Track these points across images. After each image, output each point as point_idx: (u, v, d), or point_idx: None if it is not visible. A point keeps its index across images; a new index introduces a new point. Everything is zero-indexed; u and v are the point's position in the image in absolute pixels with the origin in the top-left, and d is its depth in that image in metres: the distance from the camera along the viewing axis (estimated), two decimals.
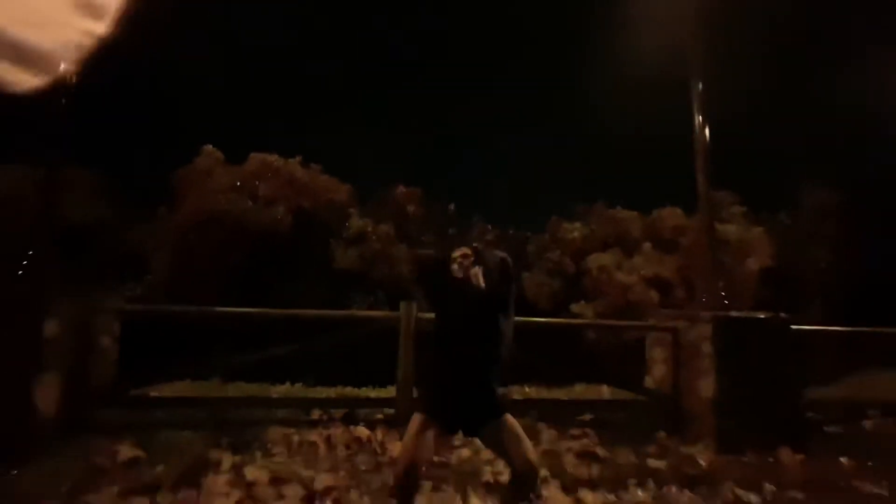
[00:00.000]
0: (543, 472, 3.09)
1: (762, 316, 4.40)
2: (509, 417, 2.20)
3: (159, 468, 3.02)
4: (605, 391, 5.38)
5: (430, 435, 2.12)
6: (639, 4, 6.07)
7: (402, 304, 4.19)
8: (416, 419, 2.17)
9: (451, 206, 14.86)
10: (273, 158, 11.29)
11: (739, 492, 3.18)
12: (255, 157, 11.24)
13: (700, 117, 5.16)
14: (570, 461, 3.34)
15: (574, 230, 11.72)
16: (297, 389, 4.87)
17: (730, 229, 10.43)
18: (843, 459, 3.90)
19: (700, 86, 5.20)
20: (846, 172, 12.60)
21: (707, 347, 4.18)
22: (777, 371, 4.18)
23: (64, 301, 3.57)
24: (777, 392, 4.13)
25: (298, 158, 11.61)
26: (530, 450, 2.15)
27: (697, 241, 11.85)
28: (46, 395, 3.42)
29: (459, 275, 2.26)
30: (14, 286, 3.40)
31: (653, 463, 3.46)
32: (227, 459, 3.12)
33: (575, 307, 10.09)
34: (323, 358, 5.27)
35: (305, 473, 2.98)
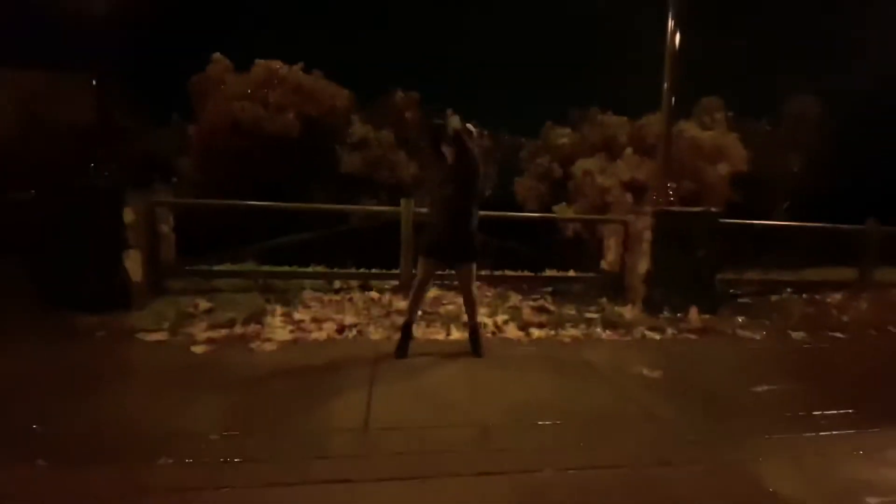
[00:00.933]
0: (503, 318, 4.32)
1: (695, 210, 5.37)
2: (472, 268, 3.35)
3: (229, 314, 4.21)
4: (571, 273, 6.57)
5: (431, 267, 3.37)
6: None
7: (403, 201, 5.15)
8: (421, 260, 3.38)
9: (450, 111, 15.03)
10: (278, 65, 11.49)
11: (647, 332, 4.43)
12: (261, 64, 11.41)
13: (673, 22, 5.53)
14: (526, 313, 4.57)
15: (563, 136, 12.24)
16: (321, 270, 6.01)
17: (705, 134, 10.97)
18: (738, 318, 5.15)
19: None
20: (827, 83, 12.72)
21: (648, 235, 5.22)
22: (700, 254, 5.25)
23: (134, 194, 4.50)
24: (697, 270, 5.24)
25: (301, 65, 11.82)
26: (473, 298, 3.44)
27: (676, 146, 12.44)
28: (133, 265, 4.51)
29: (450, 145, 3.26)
30: (101, 181, 4.30)
31: (588, 315, 4.70)
32: (278, 309, 4.31)
33: (556, 208, 11.05)
34: (339, 246, 6.37)
35: (336, 316, 4.18)
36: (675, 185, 6.40)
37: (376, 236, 5.71)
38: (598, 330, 4.36)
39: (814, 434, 2.64)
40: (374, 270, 5.78)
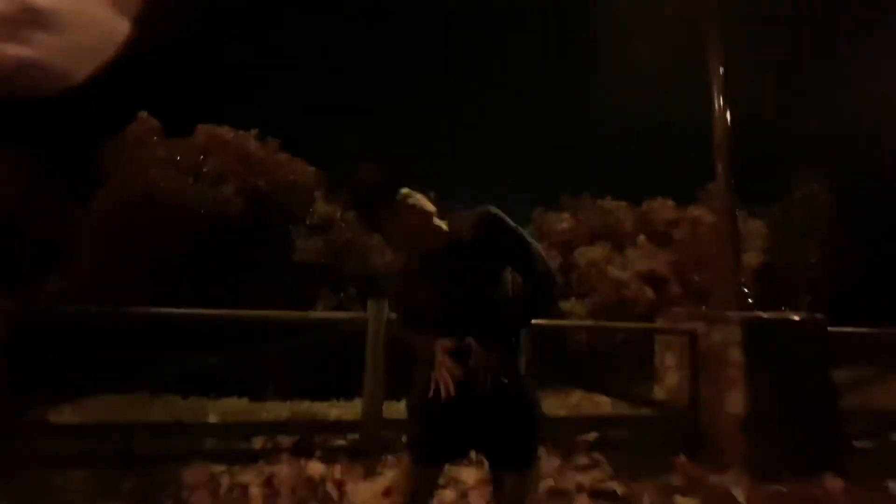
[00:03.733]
0: None
1: (796, 317, 3.78)
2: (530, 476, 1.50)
3: None
4: (605, 403, 4.71)
5: (427, 479, 1.52)
6: None
7: (371, 303, 3.38)
8: (405, 465, 1.55)
9: (432, 195, 13.84)
10: (223, 131, 9.96)
11: None
12: (203, 129, 9.89)
13: (721, 99, 4.53)
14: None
15: (562, 221, 11.05)
16: (242, 405, 4.00)
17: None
18: (890, 484, 3.33)
19: (721, 69, 4.60)
20: (840, 166, 12.30)
21: (735, 354, 3.52)
22: (815, 381, 3.56)
23: None
24: (816, 406, 3.51)
25: (255, 132, 10.39)
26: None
27: (693, 233, 11.47)
28: None
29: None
30: None
31: (682, 501, 2.77)
32: None
33: (565, 304, 9.42)
34: (276, 367, 4.43)
35: None
36: (699, 277, 4.96)
37: (329, 357, 3.85)
38: None
39: None
40: (324, 405, 3.84)
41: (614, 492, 2.78)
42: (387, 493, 2.57)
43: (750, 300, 4.08)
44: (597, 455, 3.31)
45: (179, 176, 8.42)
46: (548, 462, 3.16)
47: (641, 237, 10.13)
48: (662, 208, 11.07)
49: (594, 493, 2.74)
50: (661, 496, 2.81)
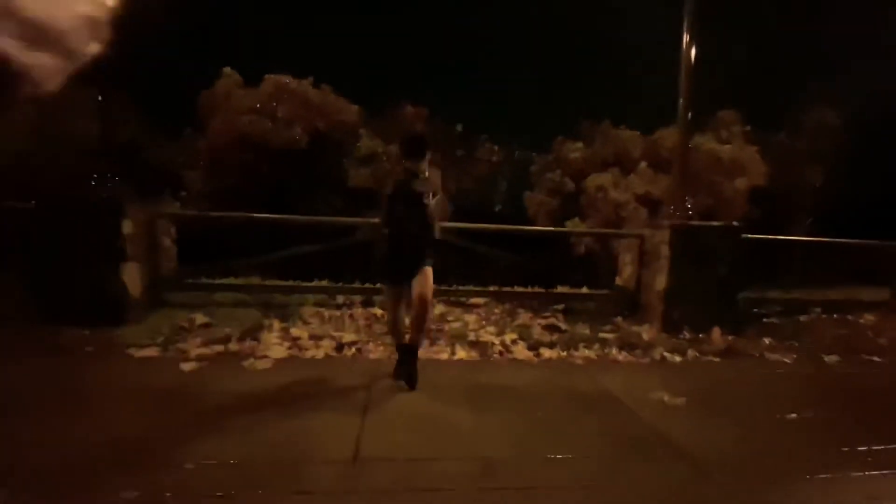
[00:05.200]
0: (512, 336, 4.07)
1: (716, 224, 5.09)
2: (428, 269, 3.05)
3: (226, 329, 4.04)
4: (584, 290, 6.29)
5: (398, 293, 3.10)
6: None
7: None
8: (384, 289, 3.19)
9: (459, 127, 15.10)
10: (287, 79, 11.73)
11: (667, 354, 4.13)
12: (270, 79, 11.60)
13: (688, 35, 5.38)
14: (536, 331, 4.31)
15: (576, 150, 12.02)
16: (324, 284, 5.85)
17: (723, 148, 10.65)
18: (766, 339, 4.81)
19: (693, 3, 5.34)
20: (847, 93, 12.31)
21: (665, 250, 4.94)
22: (722, 271, 4.96)
23: (134, 206, 4.41)
24: (719, 287, 4.94)
25: (310, 79, 12.10)
26: (426, 288, 3.02)
27: (693, 159, 12.20)
28: (131, 278, 4.39)
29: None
30: (99, 192, 4.21)
31: (603, 335, 4.41)
32: (276, 324, 4.13)
33: (568, 223, 10.77)
34: (344, 261, 6.21)
35: (336, 333, 3.98)
36: (692, 200, 6.16)
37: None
38: (614, 351, 4.07)
39: (861, 474, 2.34)
40: (378, 285, 5.60)
41: (559, 327, 4.46)
42: None
43: (690, 212, 5.36)
44: (558, 314, 4.97)
45: (261, 121, 10.26)
46: (522, 316, 4.85)
47: (643, 164, 11.05)
48: (670, 136, 11.75)
49: (546, 327, 4.43)
50: (589, 332, 4.46)
